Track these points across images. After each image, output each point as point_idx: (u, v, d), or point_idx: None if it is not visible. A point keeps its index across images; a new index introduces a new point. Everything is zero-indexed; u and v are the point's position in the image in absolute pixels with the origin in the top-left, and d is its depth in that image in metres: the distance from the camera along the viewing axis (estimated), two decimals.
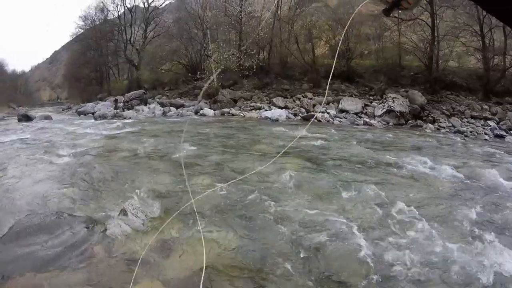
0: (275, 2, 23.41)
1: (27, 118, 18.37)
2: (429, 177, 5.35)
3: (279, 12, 23.42)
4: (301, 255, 2.91)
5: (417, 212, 3.71)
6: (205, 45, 24.48)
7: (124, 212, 3.62)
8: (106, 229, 3.37)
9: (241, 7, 23.84)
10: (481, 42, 17.41)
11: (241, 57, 21.81)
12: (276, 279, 2.64)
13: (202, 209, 3.85)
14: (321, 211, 3.75)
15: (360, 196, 4.23)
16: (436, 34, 17.58)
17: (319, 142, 7.86)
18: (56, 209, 4.01)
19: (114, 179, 5.32)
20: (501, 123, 13.40)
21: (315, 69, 19.97)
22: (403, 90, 15.52)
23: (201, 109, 18.45)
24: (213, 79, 21.39)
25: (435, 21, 17.59)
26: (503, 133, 12.25)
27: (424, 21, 18.05)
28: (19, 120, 18.22)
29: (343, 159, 6.19)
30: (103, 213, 3.82)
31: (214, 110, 18.10)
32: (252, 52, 22.30)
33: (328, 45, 22.01)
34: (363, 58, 21.06)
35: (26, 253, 3.06)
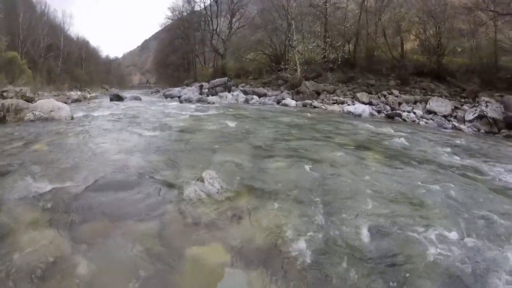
0: None
1: (118, 98, 20.20)
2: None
3: (365, 3, 22.71)
4: (361, 244, 2.85)
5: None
6: (289, 35, 24.69)
7: (201, 180, 3.78)
8: (182, 192, 3.62)
9: None
10: None
11: (326, 49, 21.85)
12: (329, 258, 2.64)
13: (276, 187, 3.96)
14: (397, 212, 3.52)
15: (442, 201, 3.91)
16: None
17: (402, 141, 7.55)
18: (138, 171, 4.39)
19: (196, 153, 5.62)
20: None
21: (403, 64, 19.04)
22: (498, 94, 14.05)
23: (283, 99, 18.76)
24: (297, 70, 21.71)
25: None
26: None
27: None
28: (111, 100, 20.03)
29: (426, 161, 5.78)
30: (181, 180, 4.07)
31: (296, 101, 18.24)
32: (337, 45, 22.05)
33: (417, 40, 20.65)
34: (456, 55, 19.35)
35: (105, 202, 3.43)
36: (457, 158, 6.38)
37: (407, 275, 2.54)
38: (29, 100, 12.98)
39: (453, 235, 3.10)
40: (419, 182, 4.48)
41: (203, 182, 3.73)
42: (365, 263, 2.64)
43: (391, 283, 2.47)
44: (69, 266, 2.45)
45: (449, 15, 18.34)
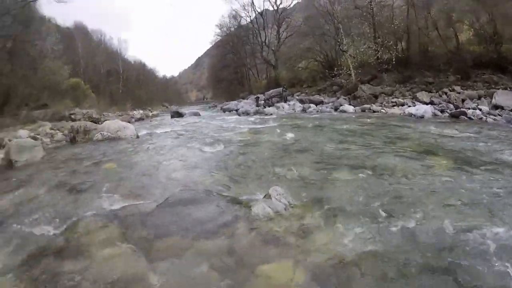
0: None
1: (178, 115, 21.03)
2: None
3: None
4: (438, 262, 2.69)
5: None
6: (339, 40, 24.60)
7: (268, 196, 3.84)
8: (250, 209, 3.65)
9: None
10: None
11: (378, 49, 21.61)
12: (410, 279, 2.53)
13: (342, 200, 3.93)
14: (466, 220, 3.34)
15: None
16: None
17: (469, 143, 7.09)
18: (205, 188, 4.49)
19: (259, 167, 5.64)
20: None
21: (461, 57, 18.13)
22: None
23: (341, 105, 18.71)
24: (351, 74, 21.74)
25: None
26: None
27: None
28: (172, 117, 20.90)
29: (496, 163, 5.38)
30: (248, 196, 4.14)
31: (354, 106, 18.15)
32: (389, 44, 21.75)
33: (472, 29, 19.58)
34: None
35: (176, 220, 3.54)
36: None
37: None
38: (96, 121, 14.32)
39: None
40: (492, 188, 4.18)
41: (271, 198, 3.80)
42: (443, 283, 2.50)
43: None
44: (143, 282, 2.58)
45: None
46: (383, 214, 3.55)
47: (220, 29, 42.77)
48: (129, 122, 14.36)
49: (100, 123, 12.13)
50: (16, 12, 17.03)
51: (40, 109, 17.69)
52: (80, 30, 41.34)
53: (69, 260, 2.89)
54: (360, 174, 4.95)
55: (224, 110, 25.28)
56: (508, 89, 14.89)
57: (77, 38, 36.51)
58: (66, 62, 25.30)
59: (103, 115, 22.22)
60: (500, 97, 13.65)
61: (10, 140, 8.81)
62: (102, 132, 9.87)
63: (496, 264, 2.63)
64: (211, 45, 50.24)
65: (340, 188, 4.34)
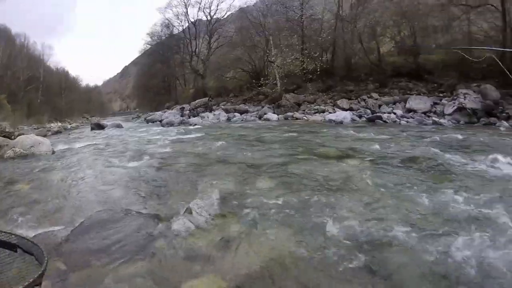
0: (337, 1, 23.34)
1: (99, 127, 19.73)
2: (502, 178, 4.74)
3: (340, 11, 23.09)
4: (356, 259, 2.78)
5: (492, 215, 3.36)
6: (268, 51, 24.84)
7: (189, 211, 3.74)
8: (170, 226, 3.50)
9: (302, 11, 23.89)
10: None
11: (304, 60, 21.98)
12: (330, 279, 2.55)
13: (265, 209, 3.88)
14: (380, 213, 3.60)
15: (425, 199, 3.93)
16: (507, 20, 15.60)
17: (383, 144, 7.55)
18: (124, 207, 4.21)
19: (180, 181, 5.47)
20: None
21: (381, 68, 19.23)
22: (475, 84, 14.15)
23: (265, 113, 18.70)
24: (277, 84, 21.76)
25: (505, 5, 15.65)
26: None
27: (494, 6, 16.10)
28: (92, 129, 19.64)
29: (408, 160, 5.89)
30: (169, 212, 3.97)
31: (277, 115, 18.24)
32: (315, 55, 22.19)
33: (393, 42, 21.01)
34: (431, 53, 19.28)
35: (92, 245, 3.25)
36: (438, 152, 6.51)
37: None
38: (9, 135, 12.59)
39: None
40: (403, 183, 4.55)
41: (191, 213, 3.70)
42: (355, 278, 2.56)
43: None
44: None
45: (423, 14, 18.57)
46: (301, 218, 3.58)
47: (151, 37, 41.37)
48: (45, 136, 13.33)
49: (13, 137, 10.55)
50: None
51: None
52: (1, 33, 37.89)
53: None
54: (281, 182, 5.05)
55: (148, 121, 24.31)
56: (421, 94, 15.73)
57: None
58: None
59: (18, 128, 19.83)
60: (413, 101, 14.32)
61: None
62: (14, 149, 9.01)
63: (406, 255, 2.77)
64: (139, 54, 48.65)
65: (261, 197, 4.31)
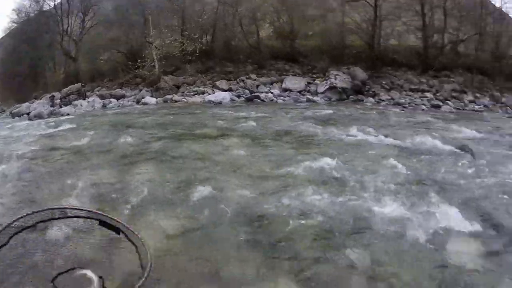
0: None
1: None
2: (369, 144, 5.64)
3: None
4: (243, 234, 3.00)
5: (362, 177, 4.03)
6: (146, 31, 23.47)
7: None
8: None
9: None
10: (422, 21, 18.34)
11: (184, 42, 21.37)
12: (222, 260, 2.72)
13: (142, 200, 3.90)
14: (262, 187, 3.91)
15: (301, 168, 4.39)
16: (378, 14, 18.32)
17: (260, 121, 7.99)
18: None
19: (52, 180, 5.20)
20: (437, 94, 14.70)
21: (260, 50, 19.99)
22: (346, 67, 15.93)
23: (143, 98, 17.96)
24: (155, 66, 20.99)
25: (378, 2, 18.32)
26: (439, 103, 13.58)
27: (367, 1, 18.65)
28: None
29: (285, 135, 6.47)
30: None
31: (156, 98, 17.67)
32: (195, 37, 21.71)
33: (272, 27, 21.91)
34: (308, 39, 20.93)
35: None
36: (312, 126, 7.17)
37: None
38: None
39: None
40: (280, 157, 4.98)
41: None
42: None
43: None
44: None
45: (301, 3, 20.03)
46: (188, 197, 3.76)
47: (18, 14, 35.35)
48: None
49: None
50: None
51: None
52: None
53: None
54: (161, 166, 5.20)
55: (13, 115, 21.17)
56: (297, 75, 16.97)
57: None
58: None
59: None
60: (289, 81, 15.34)
61: None
62: None
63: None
64: (4, 34, 42.24)
65: (142, 184, 4.35)
